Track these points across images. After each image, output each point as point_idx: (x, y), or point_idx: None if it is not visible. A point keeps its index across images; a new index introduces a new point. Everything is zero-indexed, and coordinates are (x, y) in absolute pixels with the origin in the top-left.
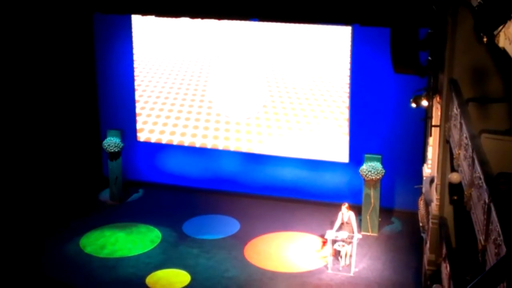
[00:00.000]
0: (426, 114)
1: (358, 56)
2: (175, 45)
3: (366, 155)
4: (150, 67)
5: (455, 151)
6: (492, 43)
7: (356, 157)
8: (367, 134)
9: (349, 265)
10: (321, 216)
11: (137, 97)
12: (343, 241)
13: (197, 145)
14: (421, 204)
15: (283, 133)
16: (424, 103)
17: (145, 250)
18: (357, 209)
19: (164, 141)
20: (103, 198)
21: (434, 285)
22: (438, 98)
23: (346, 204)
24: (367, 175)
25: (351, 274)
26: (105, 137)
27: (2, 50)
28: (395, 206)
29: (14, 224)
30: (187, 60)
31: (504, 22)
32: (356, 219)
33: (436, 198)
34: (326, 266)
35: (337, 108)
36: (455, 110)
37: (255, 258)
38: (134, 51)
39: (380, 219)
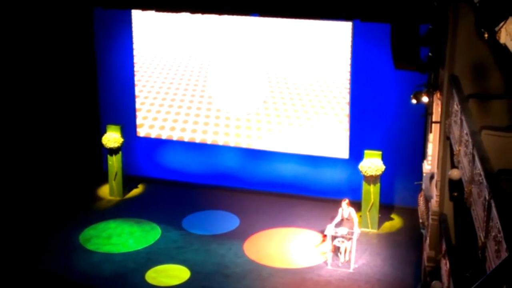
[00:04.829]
0: (427, 110)
1: (359, 52)
2: (175, 40)
3: (366, 151)
4: (150, 62)
5: (456, 147)
6: (493, 39)
7: (356, 153)
8: (367, 130)
9: (349, 261)
10: (320, 212)
11: (137, 92)
12: (342, 237)
13: (197, 140)
14: (421, 200)
15: (283, 129)
16: (425, 99)
17: (145, 246)
18: (357, 205)
19: (164, 137)
20: (103, 194)
21: (434, 282)
22: (438, 94)
23: (347, 200)
24: (367, 171)
25: (351, 270)
26: (104, 132)
27: (1, 45)
28: (395, 202)
29: (14, 219)
30: (187, 55)
31: (505, 18)
32: (356, 215)
33: (436, 195)
34: (325, 262)
35: (337, 104)
36: (456, 107)
37: (255, 254)
38: (134, 46)
39: (380, 215)
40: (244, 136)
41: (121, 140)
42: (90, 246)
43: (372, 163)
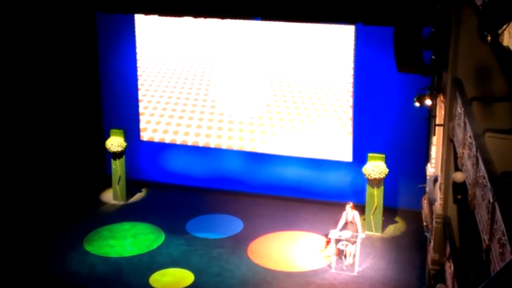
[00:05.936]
0: (430, 113)
1: (362, 55)
2: (178, 44)
3: (370, 154)
4: (153, 66)
5: (459, 150)
6: (496, 42)
7: (360, 156)
8: (371, 133)
9: (353, 265)
10: (324, 216)
11: (140, 97)
12: (346, 240)
13: (201, 144)
14: (425, 203)
15: (286, 132)
16: (428, 102)
17: (149, 250)
18: (361, 209)
19: (167, 141)
20: (106, 198)
21: (438, 285)
22: (442, 97)
23: (351, 203)
24: (371, 174)
25: (355, 274)
26: (108, 137)
27: (5, 49)
28: (399, 206)
29: (17, 223)
30: (190, 59)
31: (508, 21)
32: (360, 218)
33: (440, 198)
34: (329, 266)
35: (340, 107)
36: (459, 109)
37: (259, 258)
38: (137, 50)
39: (383, 219)
40: (247, 139)
41: (124, 144)
42: (94, 251)
43: (376, 166)
